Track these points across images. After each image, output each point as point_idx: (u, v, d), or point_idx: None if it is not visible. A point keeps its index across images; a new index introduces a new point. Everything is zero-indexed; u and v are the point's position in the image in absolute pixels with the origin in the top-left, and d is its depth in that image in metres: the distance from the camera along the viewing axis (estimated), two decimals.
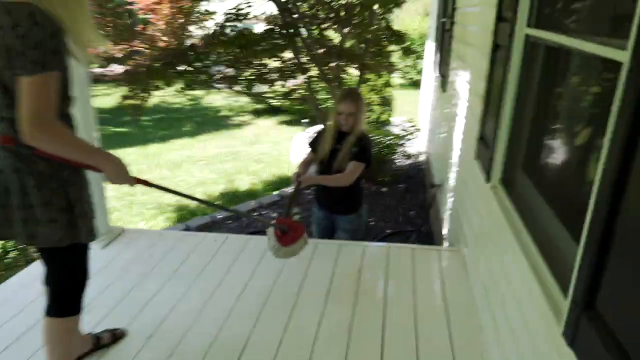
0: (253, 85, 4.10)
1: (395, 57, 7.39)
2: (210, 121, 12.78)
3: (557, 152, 1.71)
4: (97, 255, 2.82)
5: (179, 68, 3.53)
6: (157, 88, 3.85)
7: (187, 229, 4.94)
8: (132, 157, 8.99)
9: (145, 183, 1.78)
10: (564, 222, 1.39)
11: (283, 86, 4.16)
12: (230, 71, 3.90)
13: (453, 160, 3.50)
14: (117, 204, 6.27)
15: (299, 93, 4.73)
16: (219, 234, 3.41)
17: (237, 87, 4.15)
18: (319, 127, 5.44)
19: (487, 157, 2.07)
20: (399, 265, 2.69)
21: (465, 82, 3.26)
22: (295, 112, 11.05)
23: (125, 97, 4.03)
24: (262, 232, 4.76)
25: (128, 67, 3.56)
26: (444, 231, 3.68)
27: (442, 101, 4.94)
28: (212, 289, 2.53)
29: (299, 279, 2.60)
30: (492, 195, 1.99)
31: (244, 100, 13.09)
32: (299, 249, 2.35)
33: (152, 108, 14.67)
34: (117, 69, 3.61)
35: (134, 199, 6.49)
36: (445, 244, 3.56)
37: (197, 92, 4.43)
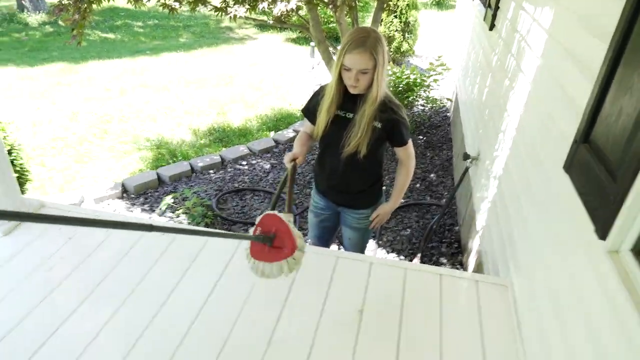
0: (228, 6, 2.96)
1: None
2: (209, 33, 11.45)
3: None
4: None
5: None
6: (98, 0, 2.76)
7: (159, 178, 4.11)
8: (118, 70, 7.95)
9: None
10: None
11: (269, 13, 3.02)
12: None
13: (504, 136, 2.55)
14: (88, 132, 5.40)
15: (298, 17, 3.59)
16: (170, 224, 2.57)
17: (204, 8, 3.01)
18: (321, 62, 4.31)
19: (603, 194, 1.16)
20: (418, 300, 1.88)
21: (541, 29, 2.21)
22: (294, 27, 9.76)
23: (56, 9, 2.96)
24: (248, 190, 3.97)
25: None
26: (478, 223, 2.83)
27: (486, 42, 3.83)
28: (153, 313, 1.76)
29: (275, 313, 1.81)
30: (609, 264, 1.12)
31: None
32: (277, 272, 1.52)
33: (147, 12, 13.27)
34: None
35: (109, 127, 5.61)
36: (478, 242, 2.73)
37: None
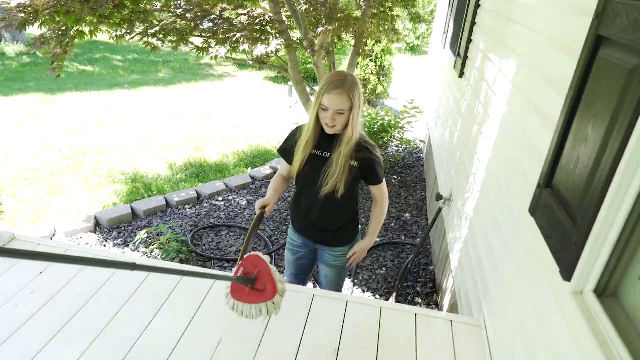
0: (209, 47, 3.04)
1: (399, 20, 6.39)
2: (189, 69, 11.60)
3: None
4: None
5: (106, 10, 2.47)
6: (81, 35, 2.80)
7: (134, 212, 4.06)
8: (94, 103, 7.92)
9: None
10: None
11: (253, 56, 3.11)
12: (170, 21, 2.81)
13: (474, 179, 2.66)
14: (63, 164, 5.32)
15: (277, 58, 3.71)
16: (151, 263, 2.54)
17: (185, 48, 3.10)
18: (297, 98, 4.45)
19: (565, 237, 1.25)
20: (394, 339, 1.91)
21: (506, 80, 2.37)
22: (273, 68, 10.04)
23: (36, 42, 2.97)
24: (224, 226, 3.95)
25: (22, 1, 2.47)
26: (452, 262, 2.90)
27: (456, 88, 4.03)
28: (125, 351, 1.71)
29: (251, 351, 1.80)
30: (573, 305, 1.19)
31: None
32: (256, 313, 1.51)
33: (127, 47, 13.38)
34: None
35: (85, 159, 5.54)
36: (451, 281, 2.79)
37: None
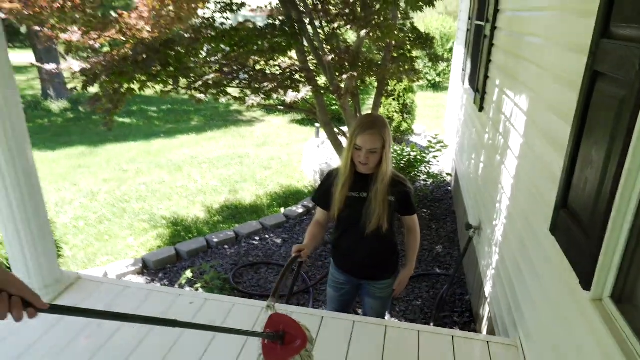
0: (245, 96, 3.34)
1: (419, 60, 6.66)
2: (219, 116, 12.17)
3: None
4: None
5: (155, 69, 2.81)
6: (131, 92, 3.16)
7: (177, 253, 4.31)
8: (133, 153, 8.43)
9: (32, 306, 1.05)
10: None
11: (283, 101, 3.41)
12: (215, 76, 3.14)
13: (500, 206, 2.79)
14: (108, 211, 5.69)
15: (307, 102, 4.00)
16: (197, 293, 2.71)
17: (224, 99, 3.41)
18: (326, 136, 4.70)
19: (582, 251, 1.38)
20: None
21: (521, 112, 2.55)
22: (303, 112, 10.42)
23: (91, 100, 3.32)
24: (263, 264, 4.15)
25: (85, 66, 2.85)
26: (486, 290, 2.98)
27: (478, 122, 4.21)
28: None
29: None
30: (594, 312, 1.31)
31: None
32: None
33: (160, 98, 14.20)
34: (74, 63, 2.92)
35: (128, 206, 5.90)
36: (487, 308, 2.87)
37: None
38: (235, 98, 3.65)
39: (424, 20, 15.68)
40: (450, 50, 14.29)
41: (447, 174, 6.29)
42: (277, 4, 4.45)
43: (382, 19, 3.42)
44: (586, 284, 1.36)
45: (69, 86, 2.97)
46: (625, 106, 1.20)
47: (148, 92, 4.55)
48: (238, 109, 13.04)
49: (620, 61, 1.26)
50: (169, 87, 3.27)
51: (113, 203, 5.98)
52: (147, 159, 8.05)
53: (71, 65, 2.92)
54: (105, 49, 3.61)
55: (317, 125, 8.46)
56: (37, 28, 3.13)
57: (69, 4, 3.14)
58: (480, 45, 4.47)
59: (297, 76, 3.56)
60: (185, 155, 8.24)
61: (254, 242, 4.61)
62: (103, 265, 4.23)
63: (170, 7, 3.68)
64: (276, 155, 8.18)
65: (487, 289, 2.95)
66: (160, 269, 4.11)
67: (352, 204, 2.13)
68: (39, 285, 2.30)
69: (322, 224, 2.30)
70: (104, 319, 1.24)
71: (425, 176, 5.90)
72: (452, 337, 2.13)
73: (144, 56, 2.88)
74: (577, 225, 1.46)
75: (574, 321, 1.51)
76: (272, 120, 11.49)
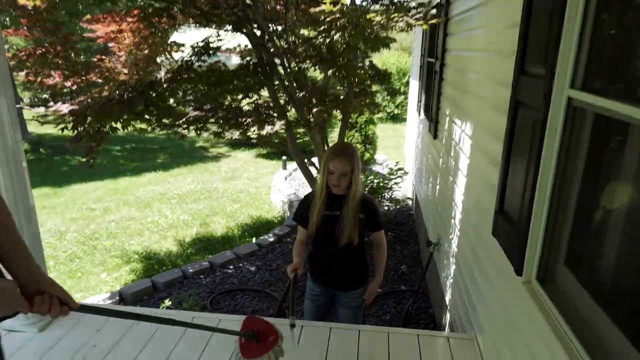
0: (224, 131, 3.63)
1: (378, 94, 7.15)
2: (185, 153, 12.29)
3: (614, 244, 1.36)
4: (32, 341, 2.33)
5: (138, 108, 3.06)
6: (113, 130, 3.37)
7: (154, 285, 4.41)
8: (100, 192, 8.41)
9: (68, 305, 1.25)
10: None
11: (259, 134, 3.72)
12: (196, 114, 3.42)
13: (455, 221, 3.14)
14: (78, 249, 5.69)
15: (277, 135, 4.32)
16: (182, 312, 2.88)
17: (205, 133, 3.68)
18: (296, 165, 5.03)
19: (514, 244, 1.70)
20: (403, 356, 2.26)
21: (467, 137, 2.94)
22: (274, 145, 10.74)
23: (73, 139, 3.51)
24: (239, 290, 4.32)
25: (73, 107, 3.06)
26: (447, 299, 3.28)
27: (433, 148, 4.63)
28: None
29: None
30: (525, 292, 1.62)
31: None
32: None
33: (123, 137, 14.17)
34: (62, 106, 3.13)
35: (98, 243, 5.92)
36: (448, 315, 3.16)
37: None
38: (215, 133, 3.91)
39: (381, 56, 16.57)
40: (407, 83, 15.14)
41: (408, 199, 6.69)
42: (246, 46, 4.81)
43: (345, 60, 3.82)
44: (518, 269, 1.67)
45: (58, 127, 3.16)
46: (536, 125, 1.55)
47: (118, 132, 4.76)
48: (203, 145, 13.22)
49: (532, 92, 1.63)
50: (153, 125, 3.50)
51: (83, 241, 5.98)
52: (114, 197, 8.06)
53: (60, 108, 3.11)
54: (86, 91, 3.83)
55: (284, 158, 8.78)
56: (21, 73, 3.32)
57: (52, 51, 3.37)
58: (432, 79, 4.95)
59: (270, 112, 3.88)
60: (153, 192, 8.30)
61: (229, 271, 4.76)
62: (79, 300, 4.25)
63: (146, 51, 3.97)
64: (244, 189, 8.38)
65: (447, 297, 3.25)
66: (137, 301, 4.19)
67: (327, 221, 2.40)
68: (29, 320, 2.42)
69: (304, 242, 2.56)
70: (124, 319, 1.44)
71: (388, 202, 6.26)
72: (418, 335, 2.40)
73: (130, 96, 3.11)
74: (510, 225, 1.79)
75: (512, 305, 1.82)
76: (238, 155, 11.72)
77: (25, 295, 1.19)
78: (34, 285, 1.23)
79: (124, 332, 2.47)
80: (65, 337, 2.43)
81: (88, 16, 4.27)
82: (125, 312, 1.43)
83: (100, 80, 3.98)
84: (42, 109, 3.86)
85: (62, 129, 3.35)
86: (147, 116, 3.30)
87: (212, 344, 2.40)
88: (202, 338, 2.42)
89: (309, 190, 3.65)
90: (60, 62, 3.36)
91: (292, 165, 8.49)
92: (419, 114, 6.34)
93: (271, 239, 5.51)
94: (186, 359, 2.28)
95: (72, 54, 3.80)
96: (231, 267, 4.86)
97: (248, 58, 4.44)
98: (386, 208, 6.46)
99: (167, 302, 3.92)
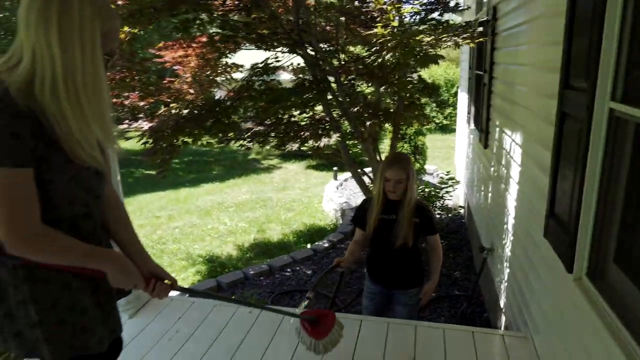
0: (285, 144, 3.97)
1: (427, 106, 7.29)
2: (238, 165, 12.86)
3: None
4: (125, 325, 2.69)
5: (207, 124, 3.46)
6: (185, 144, 3.79)
7: (218, 285, 4.77)
8: (163, 201, 9.02)
9: (172, 287, 1.52)
10: None
11: (316, 147, 4.03)
12: (259, 128, 3.80)
13: (507, 226, 3.26)
14: (148, 253, 6.18)
15: (330, 147, 4.62)
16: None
17: (267, 146, 4.04)
18: (349, 174, 5.28)
19: (565, 244, 1.85)
20: (458, 352, 2.43)
21: (517, 146, 3.07)
22: (327, 156, 11.05)
23: (148, 152, 3.93)
24: (297, 291, 4.61)
25: (152, 124, 3.51)
26: (501, 303, 3.39)
27: (484, 158, 4.73)
28: None
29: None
30: (576, 288, 1.76)
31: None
32: (338, 337, 2.11)
33: (182, 150, 15.02)
34: (143, 123, 3.60)
35: (165, 247, 6.41)
36: (503, 318, 3.27)
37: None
38: (276, 146, 4.25)
39: (429, 68, 16.62)
40: (455, 94, 15.07)
41: (460, 207, 6.75)
42: (299, 64, 5.16)
43: (396, 76, 4.05)
44: (569, 267, 1.82)
45: (141, 142, 3.61)
46: (581, 135, 1.71)
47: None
48: (255, 157, 13.75)
49: (577, 104, 1.79)
50: (221, 139, 3.89)
51: (152, 245, 6.49)
52: (176, 206, 8.63)
53: (141, 125, 3.55)
54: (158, 110, 4.31)
55: (335, 168, 9.04)
56: None
57: (129, 75, 3.85)
58: (481, 91, 5.07)
59: (326, 125, 4.18)
60: (212, 201, 8.81)
61: (286, 274, 5.06)
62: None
63: (208, 72, 4.40)
64: (297, 198, 8.71)
65: (502, 300, 3.35)
66: None
67: (384, 224, 2.61)
68: (125, 300, 2.80)
69: (359, 242, 2.78)
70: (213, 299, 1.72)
71: (440, 210, 6.36)
72: (473, 332, 2.55)
73: (200, 113, 3.50)
74: (560, 227, 1.94)
75: (564, 301, 1.95)
76: (289, 167, 12.13)
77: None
78: (149, 270, 1.51)
79: (202, 320, 2.79)
80: (151, 323, 2.79)
81: (160, 44, 4.80)
82: (218, 295, 1.72)
83: (169, 100, 4.44)
84: (124, 126, 4.35)
85: (145, 144, 3.79)
86: (214, 131, 3.68)
87: (283, 327, 2.68)
88: (271, 326, 2.70)
89: (360, 199, 3.89)
90: (136, 85, 3.83)
91: (343, 175, 8.74)
92: (469, 125, 6.43)
93: (325, 245, 5.76)
94: (261, 341, 2.56)
95: (144, 78, 4.27)
96: (289, 270, 5.15)
97: (301, 75, 4.79)
98: (438, 217, 6.56)
99: None
